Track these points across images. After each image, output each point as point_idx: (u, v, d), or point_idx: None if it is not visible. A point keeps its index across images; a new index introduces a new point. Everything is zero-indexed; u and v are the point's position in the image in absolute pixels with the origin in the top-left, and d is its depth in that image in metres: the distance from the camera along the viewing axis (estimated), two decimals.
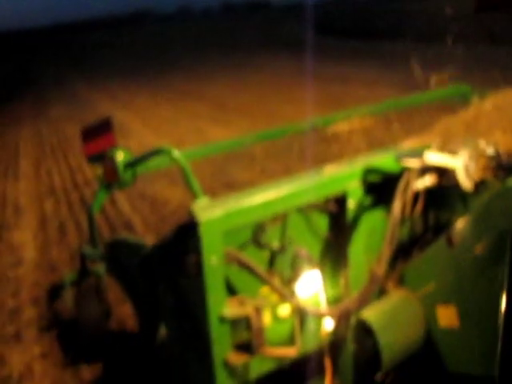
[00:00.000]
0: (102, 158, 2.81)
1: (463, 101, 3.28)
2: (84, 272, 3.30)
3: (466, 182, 1.74)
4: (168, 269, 1.86)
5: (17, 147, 11.07)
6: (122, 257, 2.74)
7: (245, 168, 7.25)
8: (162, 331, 2.38)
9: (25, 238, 6.11)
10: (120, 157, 2.71)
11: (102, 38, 54.09)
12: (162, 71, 21.25)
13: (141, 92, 16.55)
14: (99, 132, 2.94)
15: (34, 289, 4.77)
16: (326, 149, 6.27)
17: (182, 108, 13.17)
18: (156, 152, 2.52)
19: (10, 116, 15.47)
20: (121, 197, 6.77)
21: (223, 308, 1.66)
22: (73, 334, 3.37)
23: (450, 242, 1.75)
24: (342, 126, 2.36)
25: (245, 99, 13.05)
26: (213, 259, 1.60)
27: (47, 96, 18.52)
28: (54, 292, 4.18)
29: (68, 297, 3.28)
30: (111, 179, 2.75)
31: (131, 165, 2.69)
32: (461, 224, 1.74)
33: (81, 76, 22.76)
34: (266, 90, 14.03)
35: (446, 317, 1.79)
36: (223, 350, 1.70)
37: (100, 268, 3.21)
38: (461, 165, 1.72)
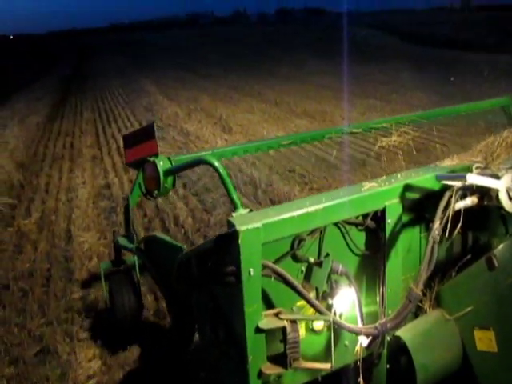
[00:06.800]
0: (142, 164, 2.76)
1: (505, 113, 3.23)
2: (118, 262, 3.32)
3: (508, 204, 1.71)
4: (206, 276, 1.90)
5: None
6: (158, 255, 2.75)
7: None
8: (196, 335, 2.40)
9: None
10: (162, 165, 2.64)
11: (163, 41, 49.84)
12: (252, 80, 17.12)
13: (238, 107, 12.12)
14: (142, 138, 2.87)
15: None
16: None
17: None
18: (198, 162, 2.50)
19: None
20: None
21: (259, 319, 1.68)
22: (108, 321, 3.34)
23: (490, 264, 1.72)
24: (386, 140, 2.35)
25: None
26: (251, 270, 1.61)
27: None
28: (90, 279, 4.24)
29: (103, 285, 3.27)
30: (152, 187, 2.72)
31: (172, 173, 2.65)
32: (502, 247, 1.72)
33: (159, 91, 16.41)
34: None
35: (484, 341, 1.76)
36: (258, 360, 1.71)
37: (134, 260, 3.19)
38: (503, 186, 1.69)
